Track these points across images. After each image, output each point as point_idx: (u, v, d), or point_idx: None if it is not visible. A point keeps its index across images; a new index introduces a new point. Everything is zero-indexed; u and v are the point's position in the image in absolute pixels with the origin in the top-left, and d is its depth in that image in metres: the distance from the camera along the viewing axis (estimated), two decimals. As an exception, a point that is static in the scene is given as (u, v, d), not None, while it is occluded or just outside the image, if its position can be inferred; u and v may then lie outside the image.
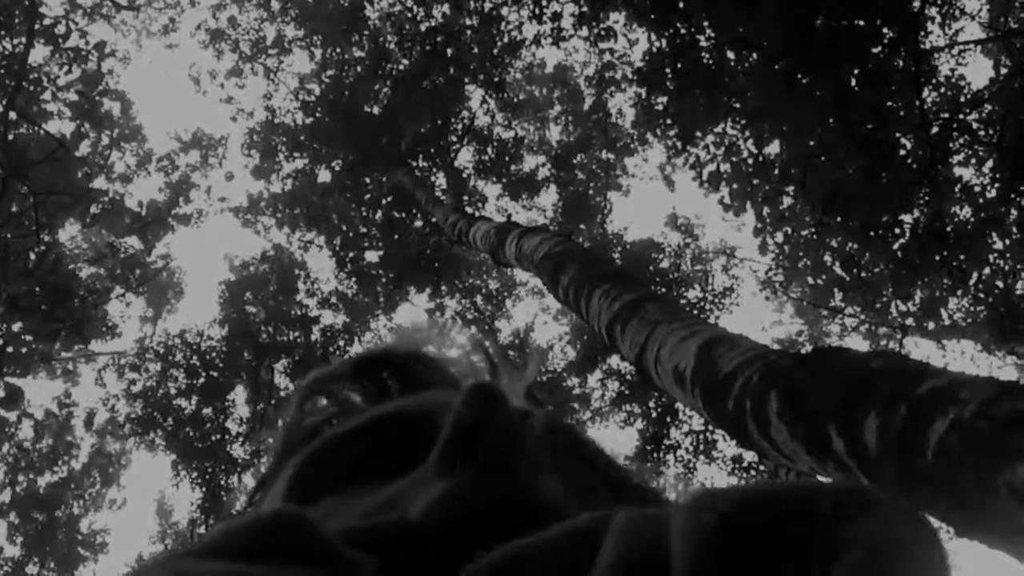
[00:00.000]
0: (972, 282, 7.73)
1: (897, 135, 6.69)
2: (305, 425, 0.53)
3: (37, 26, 7.59)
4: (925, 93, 6.70)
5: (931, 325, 9.48)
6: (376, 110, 11.17)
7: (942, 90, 7.50)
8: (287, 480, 0.43)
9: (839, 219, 6.77)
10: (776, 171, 7.19)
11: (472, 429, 0.34)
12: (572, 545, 0.26)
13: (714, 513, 0.22)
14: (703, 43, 6.95)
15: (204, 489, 11.57)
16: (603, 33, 8.80)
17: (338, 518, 0.36)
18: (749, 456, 10.61)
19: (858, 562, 0.21)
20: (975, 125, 7.22)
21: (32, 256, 8.04)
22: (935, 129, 6.82)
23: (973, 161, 7.40)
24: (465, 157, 12.41)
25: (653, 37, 7.35)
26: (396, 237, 11.49)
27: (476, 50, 10.24)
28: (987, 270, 7.79)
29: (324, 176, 11.88)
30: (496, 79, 10.81)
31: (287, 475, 0.43)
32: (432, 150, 11.36)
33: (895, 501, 0.23)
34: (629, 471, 0.43)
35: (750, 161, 7.39)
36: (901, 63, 6.47)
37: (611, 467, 0.44)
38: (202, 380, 12.16)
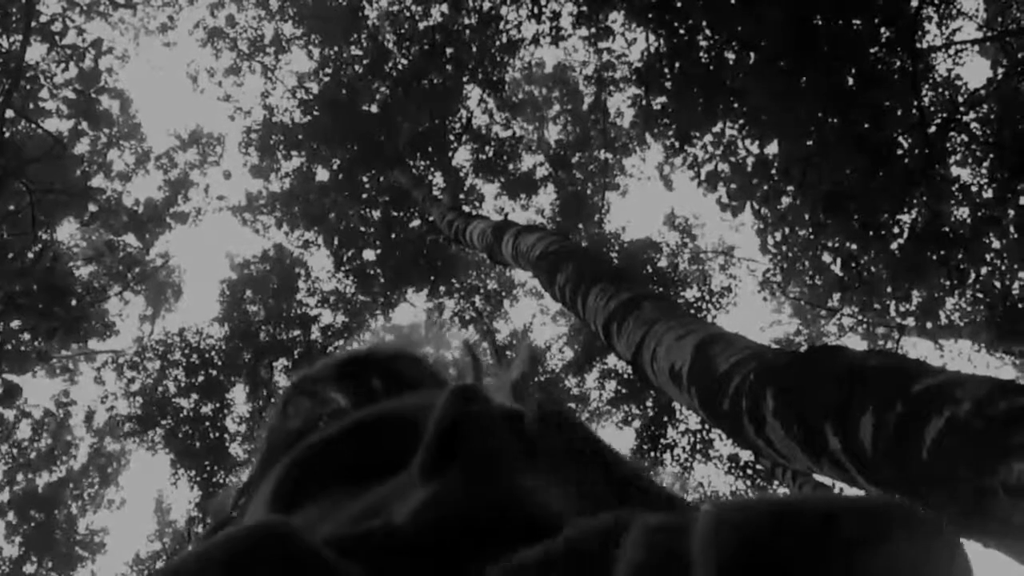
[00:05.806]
0: (970, 282, 7.73)
1: (895, 135, 6.69)
2: (288, 429, 0.52)
3: (34, 23, 7.58)
4: (923, 93, 6.70)
5: (929, 325, 9.49)
6: (374, 109, 11.15)
7: (939, 90, 7.50)
8: (271, 486, 0.42)
9: (838, 219, 6.77)
10: (774, 171, 7.19)
11: (453, 431, 0.34)
12: (592, 549, 0.25)
13: (740, 525, 0.22)
14: (701, 43, 6.94)
15: (202, 488, 11.55)
16: (602, 32, 8.80)
17: (324, 525, 0.36)
18: (746, 455, 10.61)
19: None
20: (973, 125, 7.23)
21: (30, 254, 8.02)
22: (933, 129, 6.82)
23: (971, 161, 7.40)
24: (463, 156, 12.42)
25: (651, 37, 7.35)
26: (393, 236, 11.48)
27: (475, 49, 10.23)
28: (985, 270, 7.79)
29: (322, 175, 11.88)
30: (494, 78, 10.80)
31: (271, 481, 0.43)
32: (430, 149, 11.35)
33: (929, 517, 0.22)
34: (636, 469, 0.42)
35: (749, 161, 7.39)
36: (899, 63, 6.47)
37: (616, 464, 0.43)
38: (201, 378, 12.14)
